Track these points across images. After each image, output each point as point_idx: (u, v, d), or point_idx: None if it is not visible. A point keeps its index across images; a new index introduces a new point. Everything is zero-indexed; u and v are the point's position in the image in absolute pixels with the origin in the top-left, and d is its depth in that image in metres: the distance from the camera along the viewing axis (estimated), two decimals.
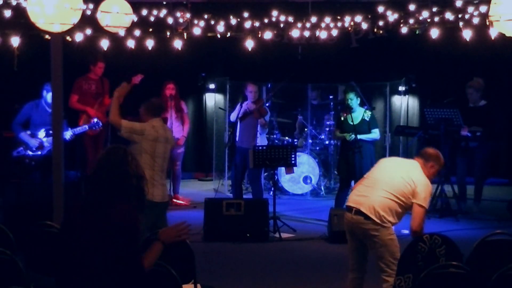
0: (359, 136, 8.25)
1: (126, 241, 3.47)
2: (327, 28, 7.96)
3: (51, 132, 8.46)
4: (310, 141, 11.01)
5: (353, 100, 8.40)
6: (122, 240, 3.45)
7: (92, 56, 9.19)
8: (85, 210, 3.55)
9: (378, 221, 5.01)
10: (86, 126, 8.81)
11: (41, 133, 8.56)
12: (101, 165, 3.60)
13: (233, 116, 9.56)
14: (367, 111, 8.60)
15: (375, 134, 8.48)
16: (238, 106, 9.42)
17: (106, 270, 3.47)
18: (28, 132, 8.61)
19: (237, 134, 9.33)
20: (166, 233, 3.74)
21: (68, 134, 8.51)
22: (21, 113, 8.71)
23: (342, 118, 8.57)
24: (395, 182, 5.09)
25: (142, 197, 3.64)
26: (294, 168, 9.19)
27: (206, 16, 8.37)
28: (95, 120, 8.82)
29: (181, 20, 8.19)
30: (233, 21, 8.18)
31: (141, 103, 6.59)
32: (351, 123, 8.30)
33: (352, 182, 8.84)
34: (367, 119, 8.46)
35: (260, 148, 8.65)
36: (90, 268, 3.48)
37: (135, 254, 3.52)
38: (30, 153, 8.57)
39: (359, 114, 8.47)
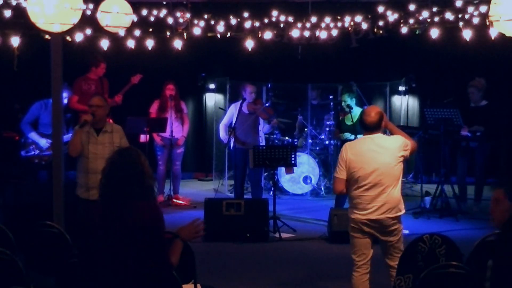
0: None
1: (154, 238, 3.50)
2: (327, 28, 7.95)
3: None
4: (310, 141, 11.01)
5: (348, 102, 8.43)
6: (150, 237, 3.49)
7: (93, 58, 9.19)
8: (107, 214, 3.56)
9: (400, 214, 5.22)
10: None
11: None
12: (116, 166, 3.62)
13: (220, 127, 9.58)
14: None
15: None
16: (233, 110, 9.40)
17: (136, 269, 3.48)
18: (44, 133, 8.68)
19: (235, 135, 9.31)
20: (185, 231, 3.83)
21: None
22: (29, 113, 8.78)
23: (341, 118, 8.59)
24: (393, 171, 5.15)
25: (154, 195, 3.73)
26: (294, 168, 9.19)
27: (206, 16, 8.35)
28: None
29: (181, 20, 8.18)
30: (233, 21, 8.16)
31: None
32: (349, 123, 8.33)
33: None
34: None
35: (260, 148, 8.64)
36: (120, 270, 3.49)
37: (164, 251, 3.55)
38: (40, 152, 8.60)
39: (356, 114, 8.47)
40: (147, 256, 3.49)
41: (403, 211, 5.26)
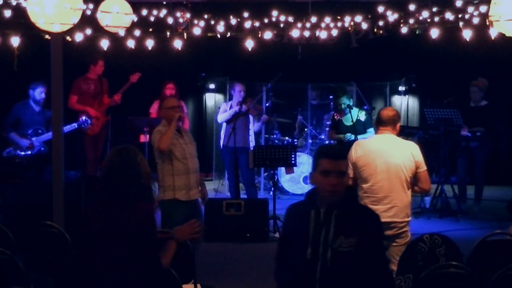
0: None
1: (146, 239, 3.49)
2: (327, 28, 7.96)
3: (39, 131, 8.57)
4: (310, 141, 11.01)
5: (348, 103, 8.37)
6: (141, 238, 3.48)
7: (92, 56, 9.19)
8: (105, 212, 3.57)
9: (408, 219, 5.25)
10: (75, 124, 8.81)
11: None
12: (113, 166, 3.62)
13: (222, 118, 9.54)
14: (362, 111, 8.55)
15: (370, 134, 8.32)
16: (225, 107, 9.40)
17: (129, 269, 3.48)
18: (31, 133, 8.68)
19: (224, 134, 9.30)
20: (181, 232, 3.80)
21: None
22: (10, 114, 8.76)
23: (337, 119, 8.54)
24: (402, 175, 5.15)
25: (151, 195, 3.69)
26: (294, 168, 9.18)
27: (206, 16, 8.36)
28: (84, 117, 8.85)
29: (181, 20, 8.19)
30: (233, 21, 8.17)
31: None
32: (348, 124, 8.32)
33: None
34: (362, 120, 8.40)
35: (261, 148, 8.63)
36: (115, 269, 3.49)
37: (155, 253, 3.55)
38: (21, 153, 8.59)
39: (354, 114, 8.42)
40: (139, 256, 3.48)
41: (410, 218, 5.28)
